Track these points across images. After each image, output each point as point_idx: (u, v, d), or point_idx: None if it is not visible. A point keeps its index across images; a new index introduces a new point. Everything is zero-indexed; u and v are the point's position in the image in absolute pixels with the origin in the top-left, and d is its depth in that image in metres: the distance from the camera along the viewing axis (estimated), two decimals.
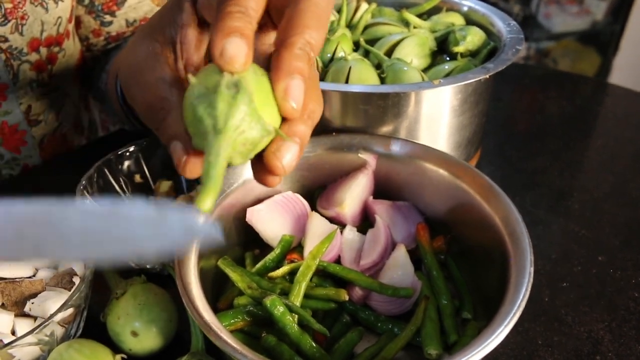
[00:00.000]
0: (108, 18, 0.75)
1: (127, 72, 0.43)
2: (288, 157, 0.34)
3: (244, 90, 0.32)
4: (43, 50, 0.70)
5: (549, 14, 2.48)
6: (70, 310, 0.49)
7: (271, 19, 0.38)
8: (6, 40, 0.65)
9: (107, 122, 1.00)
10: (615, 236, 0.68)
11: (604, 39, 2.48)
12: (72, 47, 0.76)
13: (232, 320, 0.50)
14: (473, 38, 0.72)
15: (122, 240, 0.29)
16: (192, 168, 0.35)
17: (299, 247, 0.58)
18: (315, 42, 0.34)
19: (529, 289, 0.44)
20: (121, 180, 0.66)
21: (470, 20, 0.79)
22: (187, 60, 0.42)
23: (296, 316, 0.49)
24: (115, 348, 0.51)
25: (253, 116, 0.32)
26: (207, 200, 0.30)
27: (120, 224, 0.29)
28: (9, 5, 0.63)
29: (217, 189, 0.31)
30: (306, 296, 0.52)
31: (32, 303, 0.49)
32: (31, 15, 0.66)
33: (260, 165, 0.35)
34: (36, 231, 0.28)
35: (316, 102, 0.36)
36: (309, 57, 0.34)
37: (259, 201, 0.58)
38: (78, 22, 0.76)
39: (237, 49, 0.31)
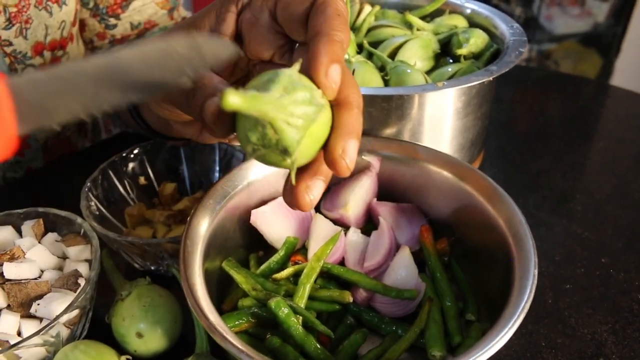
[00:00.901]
0: (113, 21, 0.76)
1: None
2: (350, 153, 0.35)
3: (320, 109, 0.33)
4: (47, 54, 0.70)
5: (551, 16, 2.49)
6: (75, 312, 0.49)
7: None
8: (10, 44, 0.65)
9: (111, 124, 1.00)
10: (618, 238, 0.68)
11: (605, 41, 2.48)
12: (75, 51, 0.76)
13: (237, 322, 0.50)
14: (476, 40, 0.72)
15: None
16: (222, 125, 0.36)
17: (303, 249, 0.58)
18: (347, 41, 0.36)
19: (533, 291, 0.44)
20: (125, 182, 0.66)
21: (473, 23, 0.80)
22: (221, 74, 0.43)
23: (301, 318, 0.49)
24: (120, 349, 0.51)
25: (302, 128, 0.33)
26: (233, 97, 0.29)
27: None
28: (14, 10, 0.63)
29: (248, 104, 0.30)
30: (310, 298, 0.52)
31: (38, 304, 0.49)
32: (35, 19, 0.66)
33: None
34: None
35: (355, 88, 0.37)
36: (344, 48, 0.36)
37: (263, 203, 0.58)
38: (83, 25, 0.77)
39: (338, 77, 0.34)
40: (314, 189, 0.36)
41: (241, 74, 0.44)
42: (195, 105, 0.38)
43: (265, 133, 0.33)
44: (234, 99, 0.29)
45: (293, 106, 0.32)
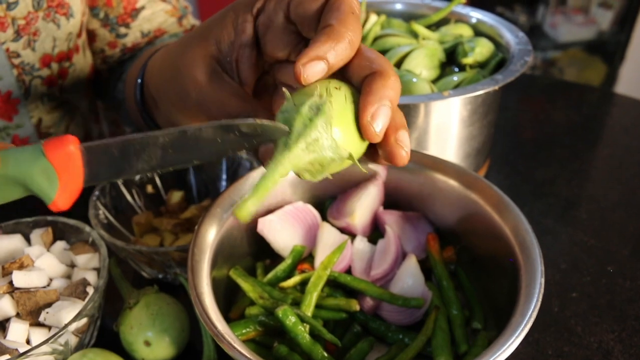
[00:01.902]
0: (123, 30, 0.76)
1: (181, 91, 0.44)
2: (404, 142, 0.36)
3: (323, 113, 0.33)
4: (54, 66, 0.71)
5: (555, 24, 2.49)
6: (84, 320, 0.49)
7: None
8: (18, 55, 0.66)
9: (117, 133, 1.00)
10: (624, 246, 0.68)
11: (609, 49, 2.49)
12: (82, 62, 0.77)
13: (244, 330, 0.50)
14: (482, 49, 0.73)
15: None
16: None
17: (310, 258, 0.58)
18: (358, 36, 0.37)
19: (540, 300, 0.44)
20: (133, 191, 0.67)
21: (478, 32, 0.80)
22: (242, 79, 0.43)
23: (308, 326, 0.50)
24: (128, 357, 0.51)
25: (328, 139, 0.34)
26: (244, 207, 0.32)
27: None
28: (22, 22, 0.64)
29: (258, 200, 0.32)
30: (317, 306, 0.53)
31: (47, 313, 0.49)
32: (43, 32, 0.67)
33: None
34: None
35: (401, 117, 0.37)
36: (354, 48, 0.36)
37: (270, 212, 0.59)
38: (93, 36, 0.77)
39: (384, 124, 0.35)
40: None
41: (261, 70, 0.45)
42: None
43: (311, 170, 0.35)
44: (244, 213, 0.32)
45: (302, 140, 0.33)
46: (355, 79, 0.37)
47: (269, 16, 0.41)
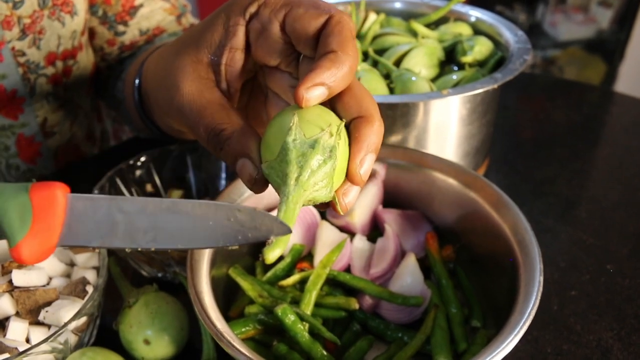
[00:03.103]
0: (121, 28, 0.76)
1: (166, 96, 0.44)
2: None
3: (335, 157, 0.35)
4: (59, 64, 0.71)
5: (555, 23, 2.49)
6: (83, 319, 0.49)
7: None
8: (24, 54, 0.66)
9: (120, 131, 1.00)
10: (623, 245, 0.68)
11: (609, 47, 2.49)
12: (85, 60, 0.77)
13: (244, 329, 0.50)
14: (481, 48, 0.73)
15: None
16: (260, 188, 0.38)
17: (309, 256, 0.58)
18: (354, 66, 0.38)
19: (539, 298, 0.44)
20: (133, 190, 0.67)
21: (477, 30, 0.80)
22: (230, 82, 0.43)
23: (307, 325, 0.50)
24: (127, 356, 0.51)
25: (329, 181, 0.35)
26: (275, 251, 0.33)
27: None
28: (28, 21, 0.64)
29: (286, 243, 0.33)
30: (317, 305, 0.53)
31: (46, 311, 0.49)
32: (48, 30, 0.67)
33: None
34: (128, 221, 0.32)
35: (372, 100, 0.38)
36: (354, 69, 0.37)
37: (269, 210, 0.59)
38: (93, 33, 0.77)
39: (369, 168, 0.37)
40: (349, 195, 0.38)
41: (249, 75, 0.44)
42: (226, 155, 0.39)
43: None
44: (274, 257, 0.33)
45: (313, 179, 0.34)
46: (343, 115, 0.38)
47: (263, 23, 0.40)
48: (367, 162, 0.36)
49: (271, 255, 0.33)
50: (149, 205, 0.33)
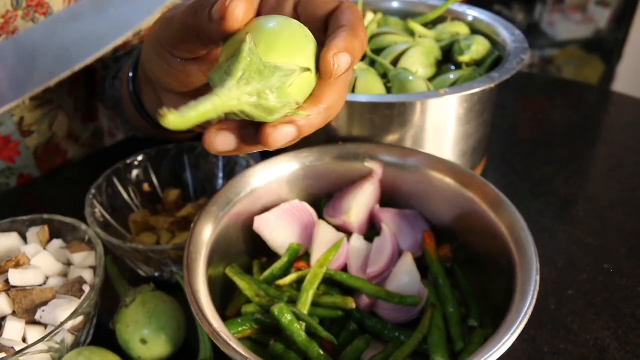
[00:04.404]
0: None
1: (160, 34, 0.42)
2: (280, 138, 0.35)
3: (293, 72, 0.33)
4: None
5: (553, 22, 2.49)
6: (80, 318, 0.49)
7: None
8: None
9: (113, 128, 1.00)
10: (621, 244, 0.68)
11: (607, 47, 2.49)
12: None
13: (240, 328, 0.50)
14: (478, 47, 0.73)
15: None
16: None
17: (306, 256, 0.58)
18: (361, 50, 0.37)
19: (536, 297, 0.44)
20: (130, 189, 0.67)
21: (475, 30, 0.80)
22: None
23: (304, 324, 0.50)
24: (124, 355, 0.51)
25: (280, 94, 0.33)
26: (172, 115, 0.29)
27: None
28: (0, 21, 0.63)
29: (189, 120, 0.30)
30: (314, 304, 0.53)
31: (43, 311, 0.49)
32: (22, 30, 0.66)
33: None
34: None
35: (340, 100, 0.38)
36: (361, 49, 0.36)
37: (266, 210, 0.59)
38: None
39: (344, 67, 0.35)
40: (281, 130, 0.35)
41: None
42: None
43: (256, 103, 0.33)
44: (169, 119, 0.29)
45: (252, 86, 0.32)
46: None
47: (279, 1, 0.41)
48: (343, 58, 0.35)
49: (170, 118, 0.29)
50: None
